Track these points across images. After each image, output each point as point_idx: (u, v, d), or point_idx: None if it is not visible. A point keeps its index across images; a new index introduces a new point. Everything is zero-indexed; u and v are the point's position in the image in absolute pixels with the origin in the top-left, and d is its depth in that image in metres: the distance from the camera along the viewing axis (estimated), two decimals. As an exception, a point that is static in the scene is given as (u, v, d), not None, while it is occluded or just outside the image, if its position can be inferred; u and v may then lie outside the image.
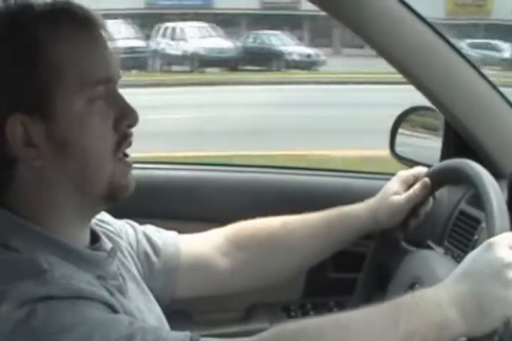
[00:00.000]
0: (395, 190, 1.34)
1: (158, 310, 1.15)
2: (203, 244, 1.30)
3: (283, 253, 1.34)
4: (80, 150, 0.97)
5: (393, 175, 1.39)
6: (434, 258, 1.28)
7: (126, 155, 1.03)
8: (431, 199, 1.34)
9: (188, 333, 0.92)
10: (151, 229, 1.27)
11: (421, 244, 1.38)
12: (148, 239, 1.24)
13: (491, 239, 1.01)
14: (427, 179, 1.32)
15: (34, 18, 0.97)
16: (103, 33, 1.00)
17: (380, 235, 1.39)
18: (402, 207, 1.33)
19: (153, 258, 1.23)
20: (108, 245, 1.09)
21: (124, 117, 1.01)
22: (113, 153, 1.00)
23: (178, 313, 1.38)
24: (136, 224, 1.26)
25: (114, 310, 0.92)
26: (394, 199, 1.33)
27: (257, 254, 1.33)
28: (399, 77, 1.53)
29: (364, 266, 1.42)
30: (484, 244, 1.01)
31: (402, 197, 1.32)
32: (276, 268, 1.35)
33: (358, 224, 1.34)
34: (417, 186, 1.32)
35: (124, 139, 1.01)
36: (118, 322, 0.89)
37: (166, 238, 1.27)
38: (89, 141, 0.97)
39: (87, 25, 0.99)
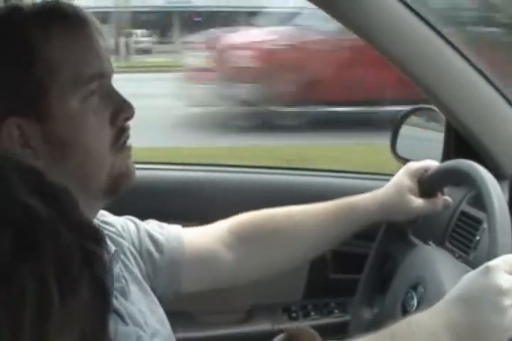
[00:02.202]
0: (409, 186, 1.33)
1: (160, 311, 1.15)
2: (207, 237, 1.30)
3: (287, 244, 1.33)
4: (78, 150, 0.97)
5: (392, 175, 1.38)
6: (439, 257, 1.28)
7: (124, 141, 1.02)
8: (442, 200, 1.35)
9: None
10: (153, 225, 1.26)
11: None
12: (151, 237, 1.23)
13: (489, 263, 0.99)
14: (448, 198, 1.34)
15: (25, 20, 0.96)
16: (94, 30, 0.99)
17: (387, 227, 1.39)
18: (417, 210, 1.33)
19: (156, 255, 1.22)
20: (111, 247, 1.09)
21: (121, 111, 1.00)
22: (110, 147, 1.00)
23: (180, 314, 1.37)
24: (138, 221, 1.25)
25: (119, 314, 0.93)
26: (411, 200, 1.32)
27: (260, 246, 1.32)
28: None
29: (369, 258, 1.42)
30: (482, 268, 1.00)
31: (421, 202, 1.33)
32: (280, 259, 1.35)
33: (364, 215, 1.33)
34: (440, 203, 1.34)
35: (121, 132, 1.01)
36: (127, 336, 0.90)
37: (169, 233, 1.26)
38: (87, 140, 0.97)
39: (78, 23, 0.98)
